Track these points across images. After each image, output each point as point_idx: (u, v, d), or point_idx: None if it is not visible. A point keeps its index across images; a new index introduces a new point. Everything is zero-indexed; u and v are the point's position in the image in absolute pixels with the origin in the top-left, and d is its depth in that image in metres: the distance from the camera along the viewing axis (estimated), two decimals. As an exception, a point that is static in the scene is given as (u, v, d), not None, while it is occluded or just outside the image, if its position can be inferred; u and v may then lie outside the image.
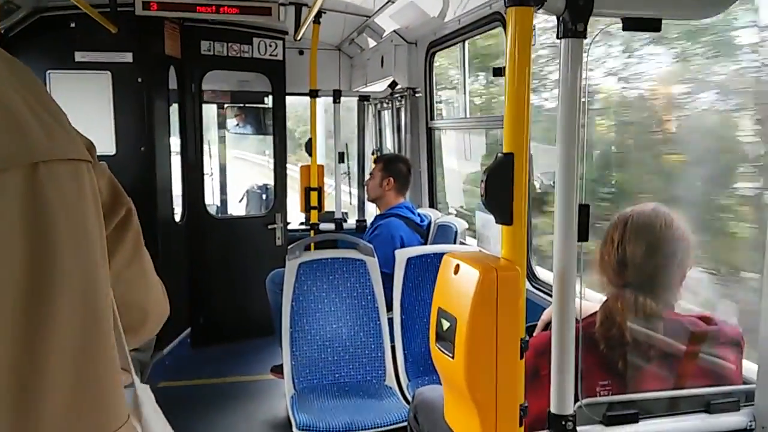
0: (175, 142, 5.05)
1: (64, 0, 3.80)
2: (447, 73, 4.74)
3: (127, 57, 4.51)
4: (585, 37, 1.36)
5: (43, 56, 4.43)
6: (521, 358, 1.31)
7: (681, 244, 1.62)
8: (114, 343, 0.74)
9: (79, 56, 4.47)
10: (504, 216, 1.34)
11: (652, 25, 1.43)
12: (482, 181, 1.34)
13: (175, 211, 5.06)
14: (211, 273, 5.09)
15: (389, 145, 5.62)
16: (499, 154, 1.33)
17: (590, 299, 1.78)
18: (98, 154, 0.80)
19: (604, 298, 1.68)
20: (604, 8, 1.38)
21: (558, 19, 1.36)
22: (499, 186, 1.32)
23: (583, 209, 1.38)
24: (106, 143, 4.45)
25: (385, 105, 5.44)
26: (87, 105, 4.52)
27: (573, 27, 1.34)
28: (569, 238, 1.38)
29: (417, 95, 4.60)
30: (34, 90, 0.68)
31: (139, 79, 4.53)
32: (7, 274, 0.60)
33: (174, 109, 5.02)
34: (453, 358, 1.29)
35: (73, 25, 4.41)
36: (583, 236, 1.39)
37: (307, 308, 3.25)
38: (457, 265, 1.34)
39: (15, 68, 0.68)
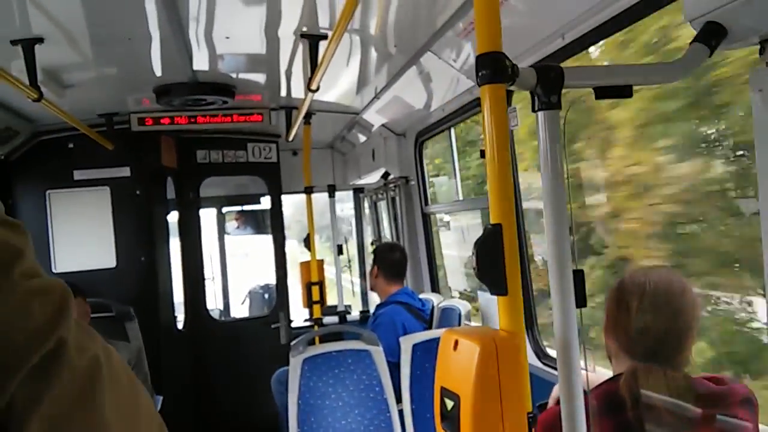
0: (175, 249, 5.09)
1: (62, 123, 3.92)
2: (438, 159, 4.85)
3: (125, 171, 4.63)
4: (560, 108, 1.40)
5: (43, 177, 4.54)
6: (530, 432, 1.26)
7: (696, 311, 1.60)
8: None
9: (78, 174, 4.58)
10: (498, 286, 1.33)
11: (623, 92, 1.48)
12: (473, 254, 1.34)
13: (178, 319, 5.02)
14: (217, 378, 4.98)
15: (387, 234, 5.65)
16: (488, 226, 1.34)
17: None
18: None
19: (617, 367, 1.64)
20: (574, 80, 1.43)
21: (531, 93, 1.41)
22: (490, 257, 1.32)
23: (578, 274, 1.38)
24: (107, 256, 4.49)
25: (380, 196, 5.53)
26: (87, 220, 4.59)
27: (547, 99, 1.38)
28: (567, 305, 1.37)
29: (410, 183, 4.68)
30: None
31: (138, 192, 4.62)
32: None
33: (173, 215, 5.09)
34: (460, 438, 1.24)
35: (71, 145, 4.55)
36: (580, 302, 1.37)
37: (315, 405, 3.16)
38: (456, 341, 1.32)
39: None
